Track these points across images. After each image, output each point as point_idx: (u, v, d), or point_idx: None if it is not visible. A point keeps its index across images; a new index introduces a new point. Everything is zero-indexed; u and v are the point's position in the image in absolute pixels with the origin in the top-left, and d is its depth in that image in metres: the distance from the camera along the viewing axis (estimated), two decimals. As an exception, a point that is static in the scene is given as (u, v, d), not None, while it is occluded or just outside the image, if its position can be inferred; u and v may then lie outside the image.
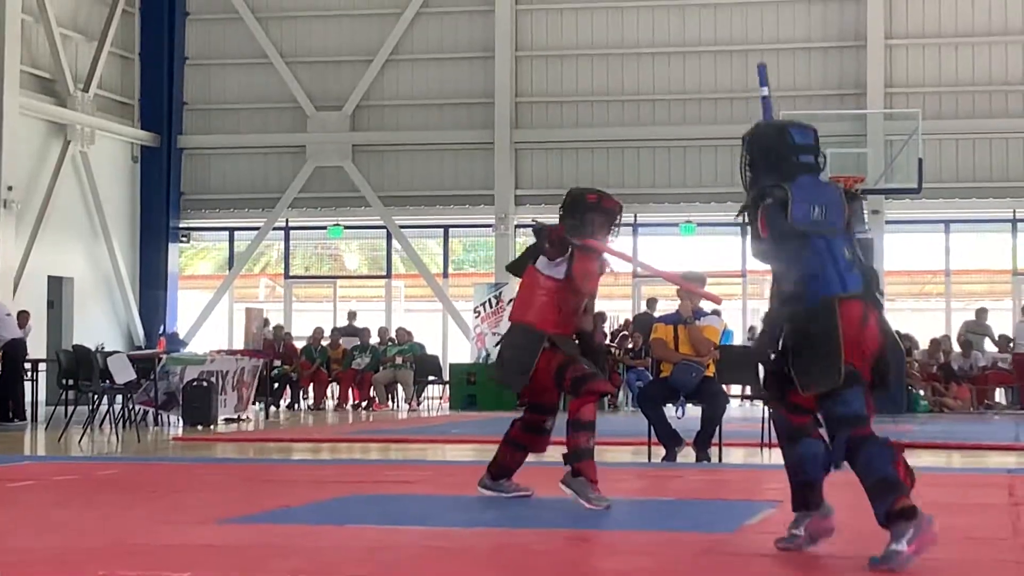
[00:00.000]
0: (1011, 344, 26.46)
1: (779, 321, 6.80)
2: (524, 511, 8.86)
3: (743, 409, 23.32)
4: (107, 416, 18.21)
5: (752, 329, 28.84)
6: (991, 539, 7.54)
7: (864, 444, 6.57)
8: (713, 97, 30.31)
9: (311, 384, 27.51)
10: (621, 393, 26.72)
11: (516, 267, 9.67)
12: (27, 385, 21.55)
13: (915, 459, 14.22)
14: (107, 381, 17.67)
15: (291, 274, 32.60)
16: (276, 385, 26.50)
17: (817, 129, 7.01)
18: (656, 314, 23.88)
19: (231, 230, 32.51)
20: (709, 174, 30.32)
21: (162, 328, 30.58)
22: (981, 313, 27.55)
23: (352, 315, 29.63)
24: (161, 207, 31.56)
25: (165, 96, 31.71)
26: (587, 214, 9.20)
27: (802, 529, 6.91)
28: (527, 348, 9.24)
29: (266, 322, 28.52)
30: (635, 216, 30.41)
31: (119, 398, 18.17)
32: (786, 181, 6.73)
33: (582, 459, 8.91)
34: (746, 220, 6.89)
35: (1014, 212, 29.44)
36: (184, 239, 32.55)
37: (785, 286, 6.79)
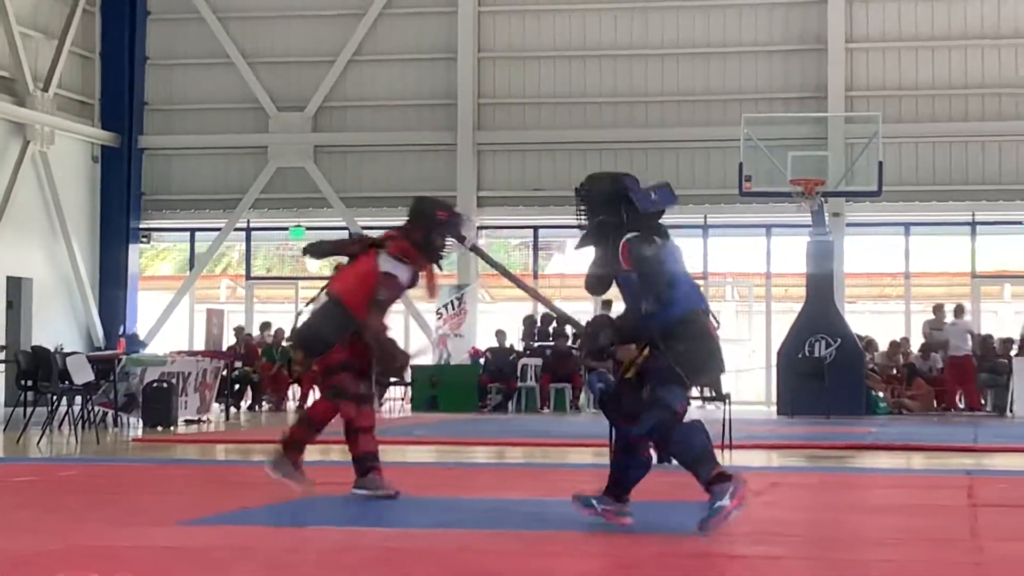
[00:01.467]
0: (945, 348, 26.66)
1: (639, 332, 8.03)
2: (485, 513, 8.86)
3: (704, 411, 23.37)
4: (66, 417, 18.12)
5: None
6: (949, 540, 7.59)
7: (679, 429, 7.81)
8: (675, 100, 30.36)
9: (272, 386, 27.42)
10: (583, 395, 26.76)
11: (326, 252, 10.04)
12: (-14, 386, 21.43)
13: (875, 461, 14.34)
14: (66, 382, 17.59)
15: (252, 275, 32.50)
16: (237, 386, 26.41)
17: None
18: (614, 315, 23.88)
19: (192, 231, 32.38)
20: (670, 176, 30.21)
21: (122, 329, 30.43)
22: (939, 310, 27.65)
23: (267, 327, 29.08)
24: (121, 207, 31.41)
25: (126, 96, 31.56)
26: (435, 230, 9.49)
27: (605, 507, 8.02)
28: (339, 326, 9.46)
29: (266, 325, 28.43)
30: (597, 218, 30.46)
31: (78, 399, 18.09)
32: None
33: (364, 465, 9.50)
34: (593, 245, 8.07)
35: (973, 215, 29.59)
36: (144, 240, 32.42)
37: (649, 304, 7.88)
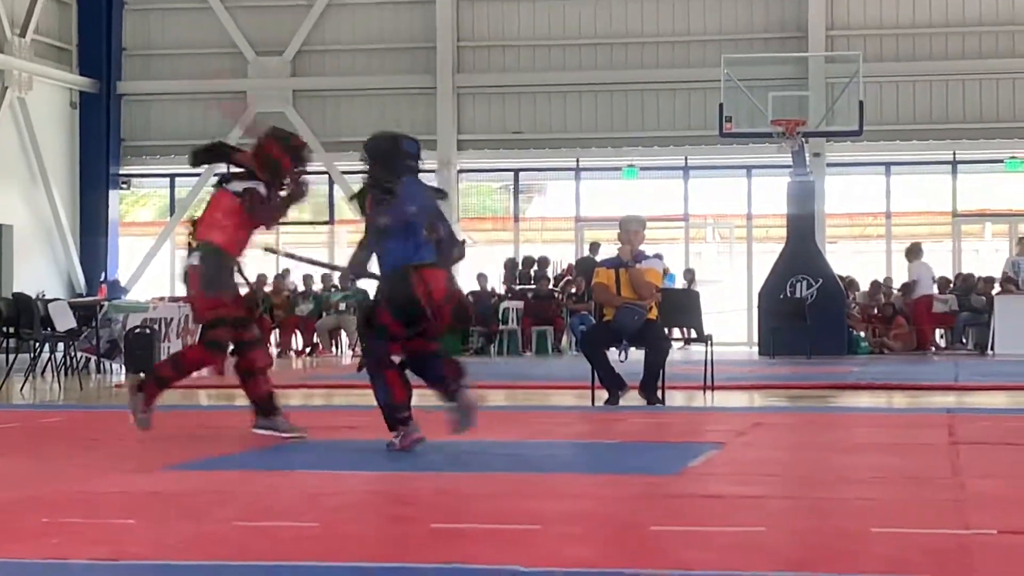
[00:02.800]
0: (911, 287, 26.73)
1: (364, 271, 9.19)
2: (467, 456, 8.89)
3: (686, 352, 23.43)
4: (48, 364, 18.10)
5: (690, 272, 28.96)
6: (930, 478, 7.63)
7: (375, 378, 8.99)
8: (656, 41, 30.28)
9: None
10: (565, 337, 26.81)
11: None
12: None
13: (856, 400, 14.39)
14: (48, 329, 17.56)
15: (233, 221, 32.36)
16: (219, 332, 26.35)
17: (420, 143, 9.69)
18: (598, 258, 23.91)
19: (172, 176, 32.26)
20: (652, 118, 30.32)
21: (103, 275, 30.38)
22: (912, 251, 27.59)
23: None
24: (101, 154, 31.30)
25: (104, 41, 31.39)
26: (289, 152, 9.98)
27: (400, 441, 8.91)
28: (226, 271, 9.63)
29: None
30: (577, 160, 30.48)
31: (61, 346, 18.07)
32: (397, 179, 9.07)
33: (267, 405, 9.71)
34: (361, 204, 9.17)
35: (954, 154, 29.62)
36: (124, 186, 32.32)
37: (380, 253, 8.99)
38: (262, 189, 9.67)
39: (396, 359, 9.11)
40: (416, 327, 8.93)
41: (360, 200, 9.23)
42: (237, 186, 9.66)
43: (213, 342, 9.73)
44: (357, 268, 9.22)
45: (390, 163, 9.22)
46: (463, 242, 9.85)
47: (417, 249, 8.95)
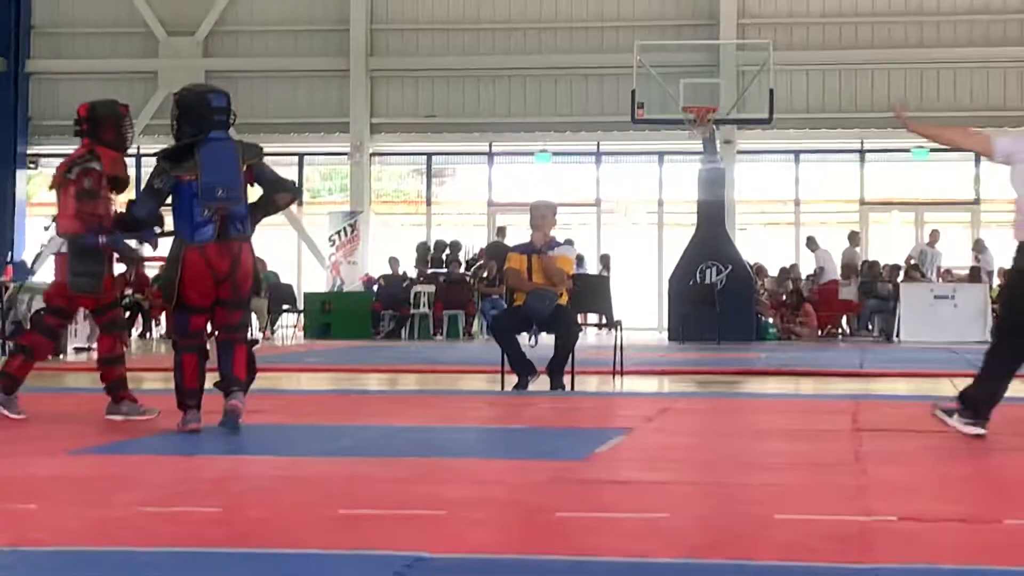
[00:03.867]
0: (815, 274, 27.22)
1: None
2: (376, 440, 8.88)
3: (597, 337, 23.52)
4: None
5: (606, 257, 29.08)
6: (834, 464, 7.72)
7: (175, 355, 9.04)
8: (569, 27, 30.35)
9: (163, 313, 27.19)
10: (476, 321, 26.83)
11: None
12: None
13: (763, 386, 14.52)
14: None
15: (142, 201, 32.12)
16: (128, 314, 26.17)
17: (230, 95, 9.46)
18: (508, 242, 23.95)
19: (81, 157, 31.90)
20: (564, 103, 30.40)
21: (9, 256, 30.01)
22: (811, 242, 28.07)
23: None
24: (8, 132, 30.95)
25: (12, 19, 31.02)
26: (122, 122, 10.26)
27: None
28: (91, 258, 9.64)
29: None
30: (490, 144, 30.52)
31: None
32: (203, 134, 9.06)
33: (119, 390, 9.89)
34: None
35: (862, 143, 29.94)
36: (32, 165, 31.97)
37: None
38: (97, 166, 9.65)
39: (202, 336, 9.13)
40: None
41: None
42: (76, 169, 9.69)
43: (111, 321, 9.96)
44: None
45: (196, 118, 9.17)
46: (293, 183, 9.83)
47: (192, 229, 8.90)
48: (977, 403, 8.60)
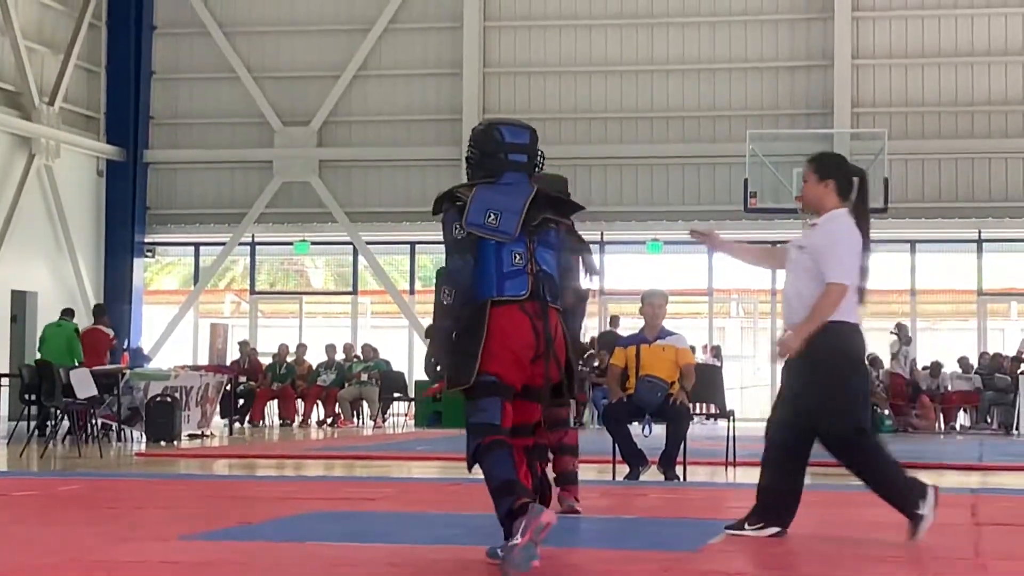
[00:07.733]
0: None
1: (446, 326, 6.78)
2: (487, 529, 8.82)
3: (708, 428, 23.30)
4: (69, 431, 18.07)
5: (717, 348, 28.87)
6: (953, 559, 7.54)
7: (489, 451, 6.65)
8: (680, 116, 30.36)
9: (275, 400, 27.38)
10: (587, 411, 26.70)
11: None
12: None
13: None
14: (70, 396, 17.56)
15: (256, 290, 32.49)
16: (242, 401, 26.38)
17: (535, 130, 7.54)
18: (621, 332, 23.85)
19: (196, 245, 32.39)
20: (676, 192, 30.36)
21: (126, 343, 30.41)
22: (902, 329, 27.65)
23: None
24: (126, 221, 31.43)
25: (131, 110, 31.60)
26: None
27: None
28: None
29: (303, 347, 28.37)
30: (602, 233, 30.49)
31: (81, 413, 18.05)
32: (493, 176, 7.09)
33: None
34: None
35: (979, 232, 29.56)
36: (149, 254, 32.43)
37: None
38: None
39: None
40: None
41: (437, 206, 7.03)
42: None
43: None
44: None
45: (485, 157, 7.25)
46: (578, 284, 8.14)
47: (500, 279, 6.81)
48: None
